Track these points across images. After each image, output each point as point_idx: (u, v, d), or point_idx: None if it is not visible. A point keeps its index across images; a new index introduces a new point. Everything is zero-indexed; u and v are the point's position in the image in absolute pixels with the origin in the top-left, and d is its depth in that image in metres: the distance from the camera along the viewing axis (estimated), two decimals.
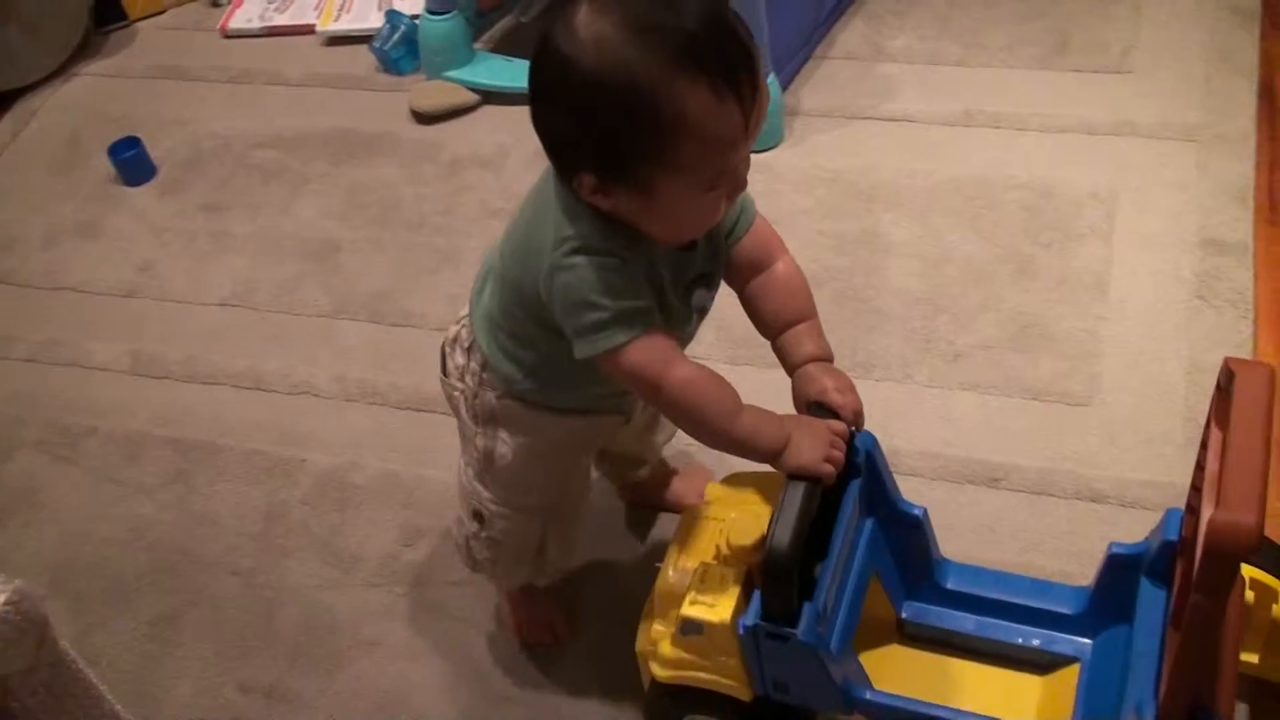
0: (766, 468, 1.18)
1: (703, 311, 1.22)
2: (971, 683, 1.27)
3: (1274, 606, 1.22)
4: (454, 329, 1.31)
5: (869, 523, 1.24)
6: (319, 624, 1.59)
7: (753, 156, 2.07)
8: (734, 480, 1.27)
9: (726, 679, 1.17)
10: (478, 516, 1.38)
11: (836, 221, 1.95)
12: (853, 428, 1.17)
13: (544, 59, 1.04)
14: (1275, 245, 1.82)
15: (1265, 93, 2.04)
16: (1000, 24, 2.26)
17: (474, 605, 1.58)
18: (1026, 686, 1.26)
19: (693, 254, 1.16)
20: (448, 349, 1.32)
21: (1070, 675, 1.23)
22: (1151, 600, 1.15)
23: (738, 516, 1.17)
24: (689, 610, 1.14)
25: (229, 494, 1.75)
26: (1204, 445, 1.07)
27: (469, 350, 1.28)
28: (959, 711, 1.17)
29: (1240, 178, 1.91)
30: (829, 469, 1.12)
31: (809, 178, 2.04)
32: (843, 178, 2.01)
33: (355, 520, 1.70)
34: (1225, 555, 0.90)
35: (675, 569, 1.19)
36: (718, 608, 1.13)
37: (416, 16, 2.31)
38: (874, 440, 1.21)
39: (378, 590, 1.62)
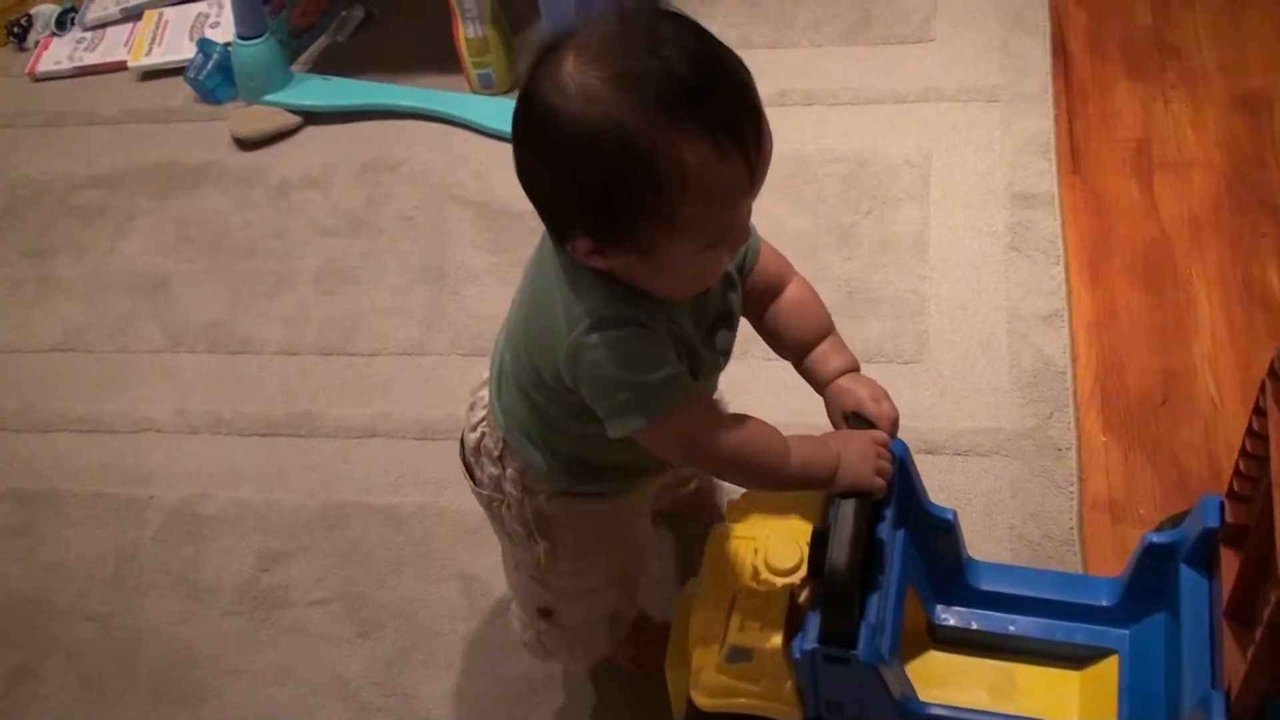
0: None
1: (727, 354, 1.15)
2: (1011, 683, 1.24)
3: None
4: (473, 437, 1.23)
5: (901, 529, 1.21)
6: (180, 660, 1.57)
7: None
8: (753, 496, 1.22)
9: (777, 703, 1.13)
10: (545, 614, 1.31)
11: None
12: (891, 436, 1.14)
13: (529, 110, 0.95)
14: (1078, 193, 1.91)
15: (1058, 50, 2.13)
16: (805, 4, 2.32)
17: (336, 622, 1.58)
18: (1066, 682, 1.23)
19: (708, 295, 1.08)
20: (472, 459, 1.24)
21: (1110, 668, 1.21)
22: (1195, 589, 1.13)
23: (771, 536, 1.13)
24: (737, 638, 1.10)
25: (77, 540, 1.72)
26: (1252, 433, 1.06)
27: (501, 458, 1.19)
28: (1008, 717, 1.16)
29: (1041, 133, 1.99)
30: (881, 482, 1.09)
31: None
32: None
33: (209, 551, 1.68)
34: None
35: (712, 593, 1.14)
36: (767, 633, 1.09)
37: (229, 44, 2.28)
38: (905, 447, 1.17)
39: (237, 619, 1.60)
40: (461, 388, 1.78)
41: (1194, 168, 1.91)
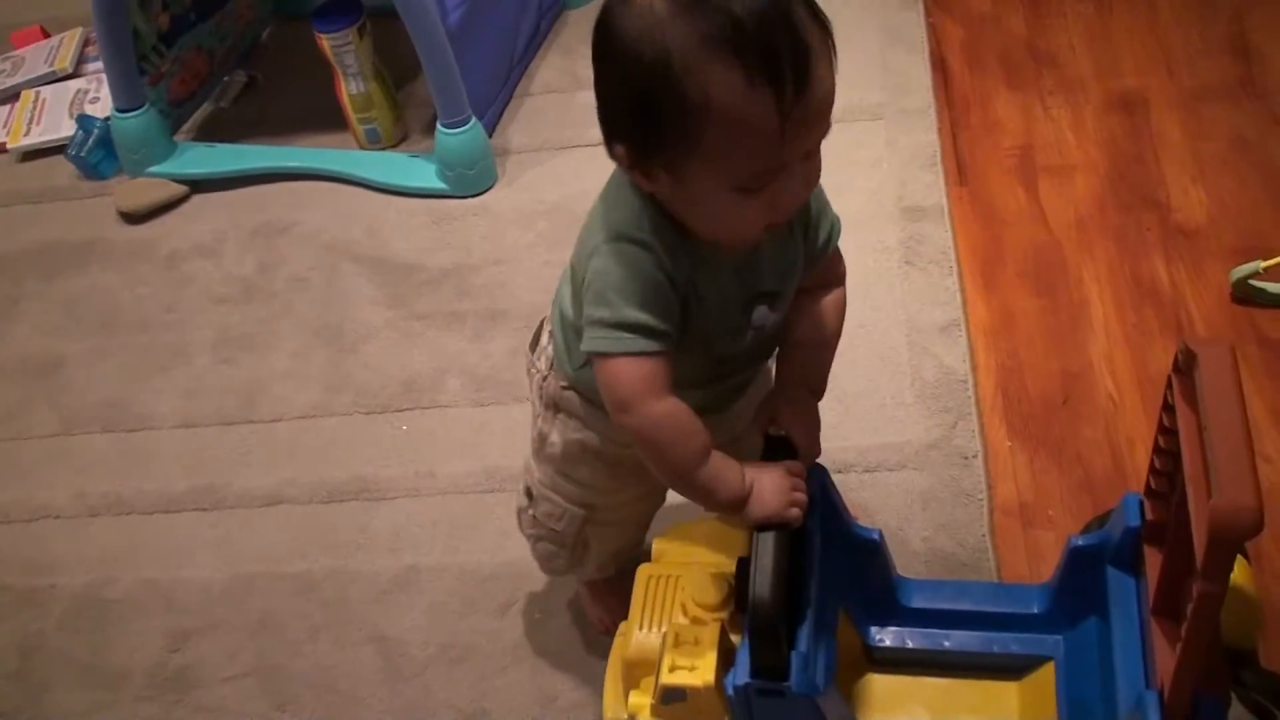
0: (703, 513, 1.16)
1: (761, 330, 1.15)
2: (952, 700, 1.24)
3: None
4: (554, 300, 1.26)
5: (828, 554, 1.20)
6: None
7: (469, 201, 2.13)
8: (677, 533, 1.22)
9: None
10: (528, 492, 1.36)
11: (561, 250, 1.93)
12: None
13: (601, 15, 0.99)
14: (966, 203, 1.93)
15: (937, 65, 2.16)
16: None
17: (251, 698, 1.54)
18: (1005, 694, 1.23)
19: (758, 266, 1.10)
20: (545, 326, 1.27)
21: (1047, 675, 1.21)
22: (1122, 589, 1.14)
23: (696, 572, 1.13)
24: (670, 678, 1.08)
25: None
26: (1163, 430, 1.06)
27: (551, 335, 1.24)
28: None
29: (927, 146, 2.01)
30: (795, 513, 1.09)
31: (528, 213, 2.06)
32: (561, 208, 2.05)
33: (117, 636, 1.63)
34: (1230, 541, 0.89)
35: (642, 634, 1.14)
36: (699, 671, 1.07)
37: (109, 118, 2.24)
38: (824, 470, 1.19)
39: (150, 703, 1.56)
40: (364, 447, 1.79)
41: (1076, 170, 1.94)
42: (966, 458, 1.59)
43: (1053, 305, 1.76)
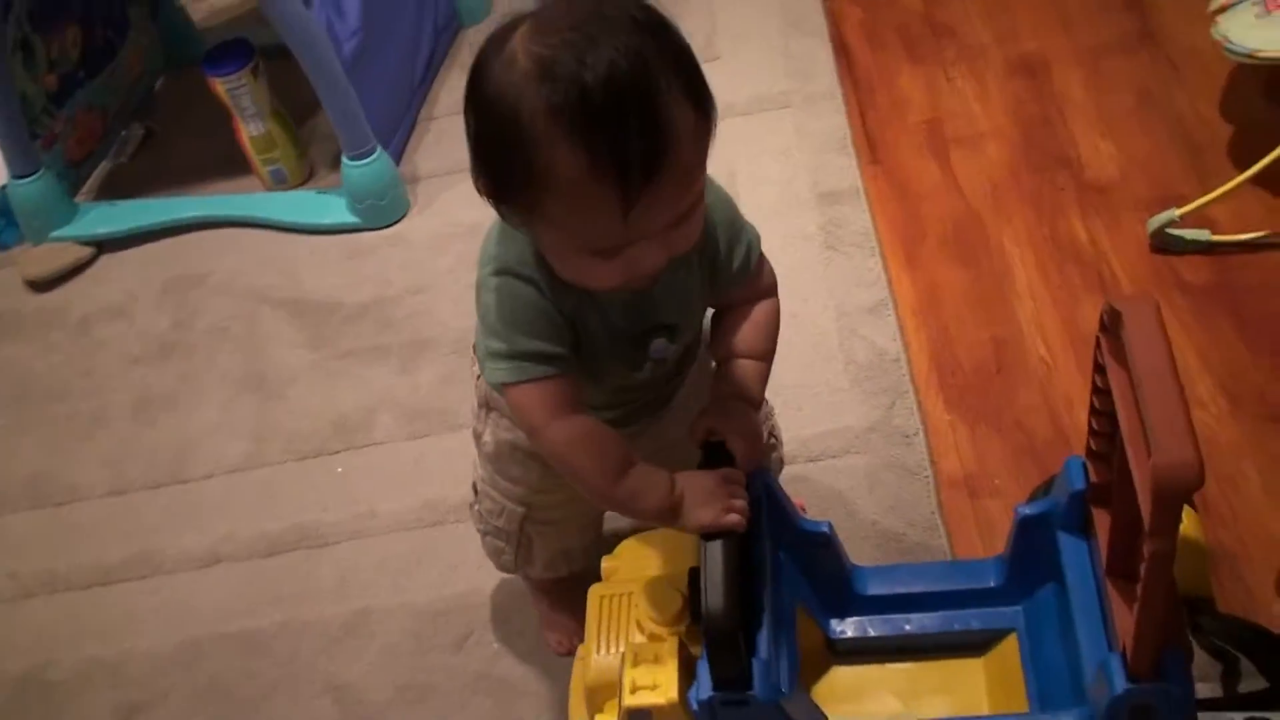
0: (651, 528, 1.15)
1: (662, 364, 1.15)
2: (919, 684, 1.22)
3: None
4: None
5: (779, 553, 1.18)
6: None
7: (384, 232, 2.09)
8: (625, 549, 1.21)
9: None
10: (474, 487, 1.37)
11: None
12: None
13: (478, 55, 0.96)
14: (881, 182, 1.92)
15: (839, 48, 2.16)
16: None
17: None
18: (971, 671, 1.23)
19: (652, 298, 1.08)
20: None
21: (1010, 647, 1.20)
22: (1075, 553, 1.12)
23: (649, 586, 1.12)
24: (633, 700, 1.06)
25: None
26: (1097, 390, 1.05)
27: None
28: None
29: (838, 130, 2.01)
30: (735, 518, 1.05)
31: (443, 237, 2.03)
32: (477, 229, 1.92)
33: (64, 718, 1.58)
34: (1175, 497, 0.88)
35: (600, 656, 1.12)
36: (661, 689, 1.05)
37: (4, 186, 2.19)
38: (765, 472, 1.17)
39: None
40: (301, 494, 1.75)
41: (986, 138, 1.94)
42: (907, 436, 1.58)
43: (977, 275, 1.76)
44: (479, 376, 1.24)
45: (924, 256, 1.80)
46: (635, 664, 1.07)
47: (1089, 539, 1.13)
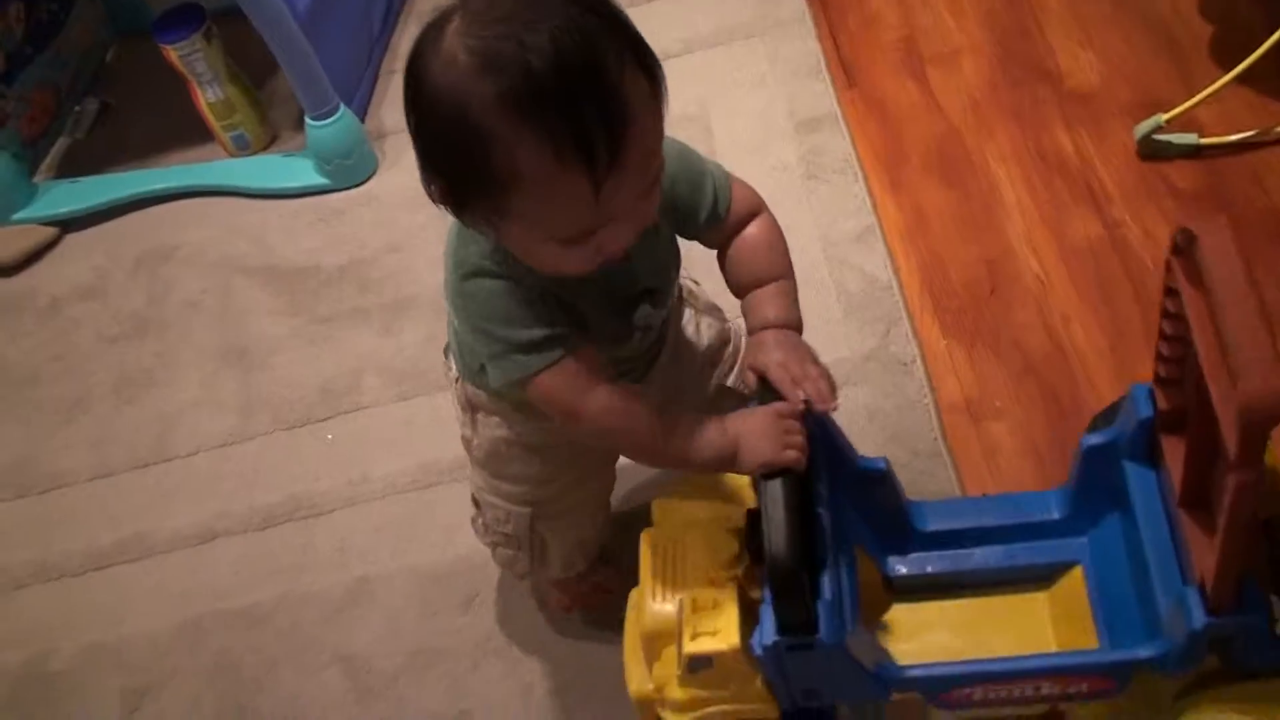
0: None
1: (650, 330, 1.12)
2: (982, 619, 1.18)
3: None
4: None
5: (836, 490, 1.14)
6: None
7: (353, 192, 2.05)
8: (675, 489, 1.17)
9: (750, 704, 1.08)
10: (474, 501, 1.32)
11: None
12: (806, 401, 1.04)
13: (412, 54, 0.91)
14: (859, 106, 1.88)
15: None
16: None
17: None
18: (1036, 605, 1.18)
19: (629, 268, 1.03)
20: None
21: (1076, 580, 1.16)
22: (1143, 483, 1.09)
23: (703, 529, 1.09)
24: (693, 646, 1.03)
25: None
26: (1167, 315, 1.01)
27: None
28: (985, 660, 1.09)
29: (810, 55, 1.96)
30: (794, 455, 1.00)
31: (416, 192, 1.90)
32: None
33: (68, 709, 1.55)
34: (1262, 425, 0.84)
35: (656, 603, 1.08)
36: (722, 634, 1.03)
37: None
38: (822, 412, 1.09)
39: None
40: (291, 464, 1.71)
41: (962, 54, 1.90)
42: (905, 363, 1.56)
43: (963, 194, 1.73)
44: (456, 380, 1.20)
45: (908, 179, 1.77)
46: (695, 610, 1.05)
47: (1157, 468, 1.09)
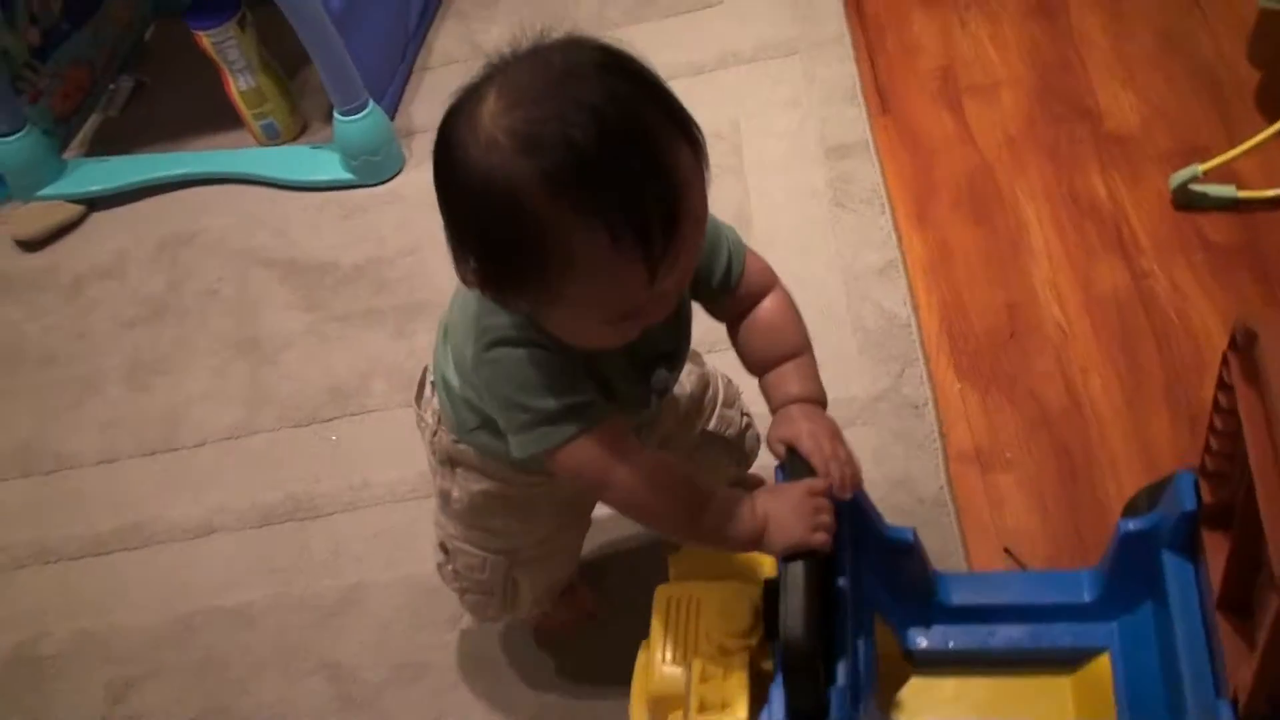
0: None
1: (665, 393, 1.10)
2: (1000, 698, 1.17)
3: None
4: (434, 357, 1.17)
5: (860, 561, 1.12)
6: None
7: (378, 189, 2.04)
8: (693, 548, 1.14)
9: None
10: (443, 548, 1.28)
11: None
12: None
13: (442, 129, 0.88)
14: (892, 134, 1.85)
15: None
16: None
17: None
18: (1059, 689, 1.16)
19: (648, 335, 0.99)
20: (428, 376, 1.18)
21: (1102, 667, 1.14)
22: (1181, 576, 1.06)
23: (720, 593, 1.06)
24: (701, 718, 1.01)
25: None
26: (1219, 410, 0.99)
27: (434, 387, 1.16)
28: None
29: (846, 78, 1.93)
30: (822, 537, 0.98)
31: None
32: None
33: (55, 693, 1.55)
34: None
35: (666, 665, 1.06)
36: (731, 709, 1.00)
37: None
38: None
39: None
40: (294, 463, 1.70)
41: (1001, 86, 1.86)
42: (916, 406, 1.52)
43: (991, 232, 1.69)
44: (435, 432, 1.17)
45: (936, 213, 1.73)
46: (704, 679, 1.02)
47: (1197, 562, 1.06)
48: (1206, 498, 1.05)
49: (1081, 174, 1.71)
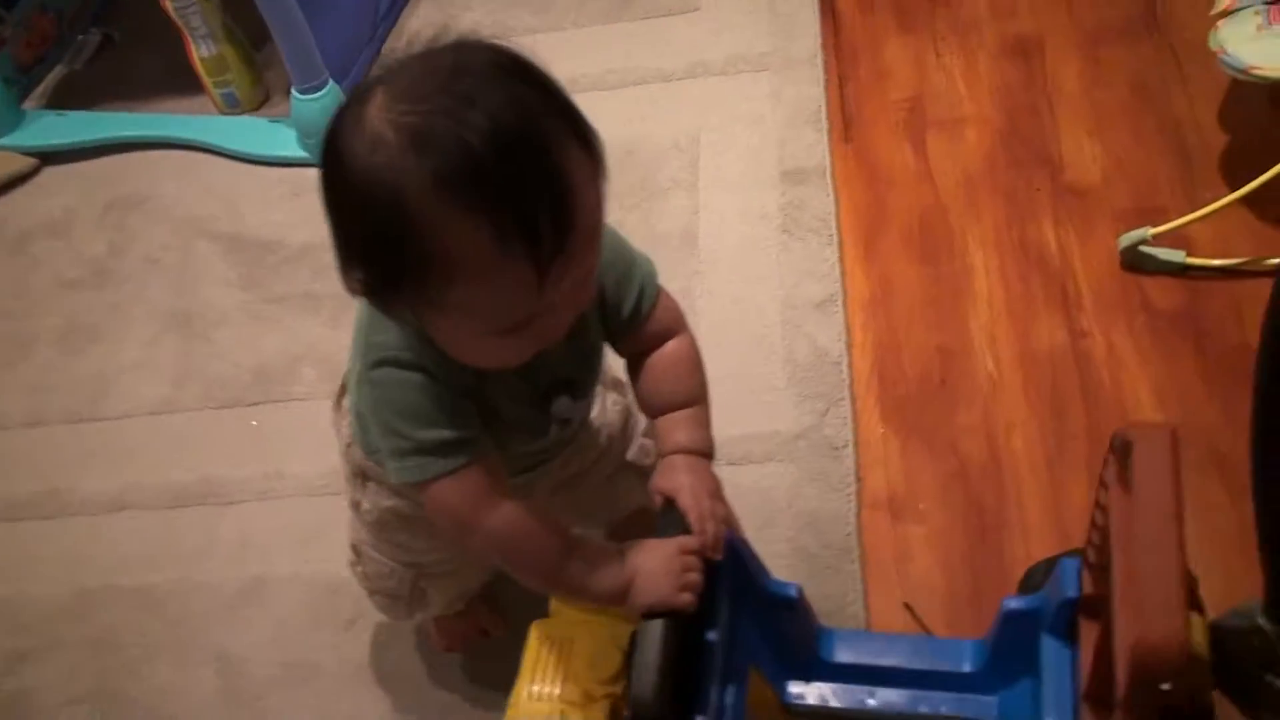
0: None
1: (567, 423, 1.07)
2: None
3: None
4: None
5: (739, 614, 1.11)
6: None
7: None
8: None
9: None
10: (354, 549, 1.26)
11: None
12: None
13: (330, 131, 0.85)
14: (851, 163, 1.82)
15: (826, 10, 2.03)
16: None
17: None
18: None
19: (546, 360, 0.97)
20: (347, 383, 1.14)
21: None
22: (1057, 659, 1.06)
23: (591, 637, 1.05)
24: None
25: None
26: (1099, 505, 0.98)
27: (342, 398, 1.14)
28: None
29: (812, 100, 1.90)
30: (687, 598, 0.96)
31: None
32: None
33: None
34: (1151, 680, 0.82)
35: (529, 701, 1.04)
36: None
37: None
38: (731, 530, 1.06)
39: None
40: (213, 445, 1.68)
41: (967, 124, 1.83)
42: (836, 448, 1.50)
43: (935, 275, 1.66)
44: (348, 445, 1.14)
45: (883, 249, 1.71)
46: None
47: (1074, 648, 1.05)
48: (1087, 589, 1.04)
49: (1034, 223, 1.69)
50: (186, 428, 1.72)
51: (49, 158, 2.11)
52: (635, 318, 1.05)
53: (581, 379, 1.07)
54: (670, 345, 1.08)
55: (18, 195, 2.08)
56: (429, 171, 0.79)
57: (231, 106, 2.09)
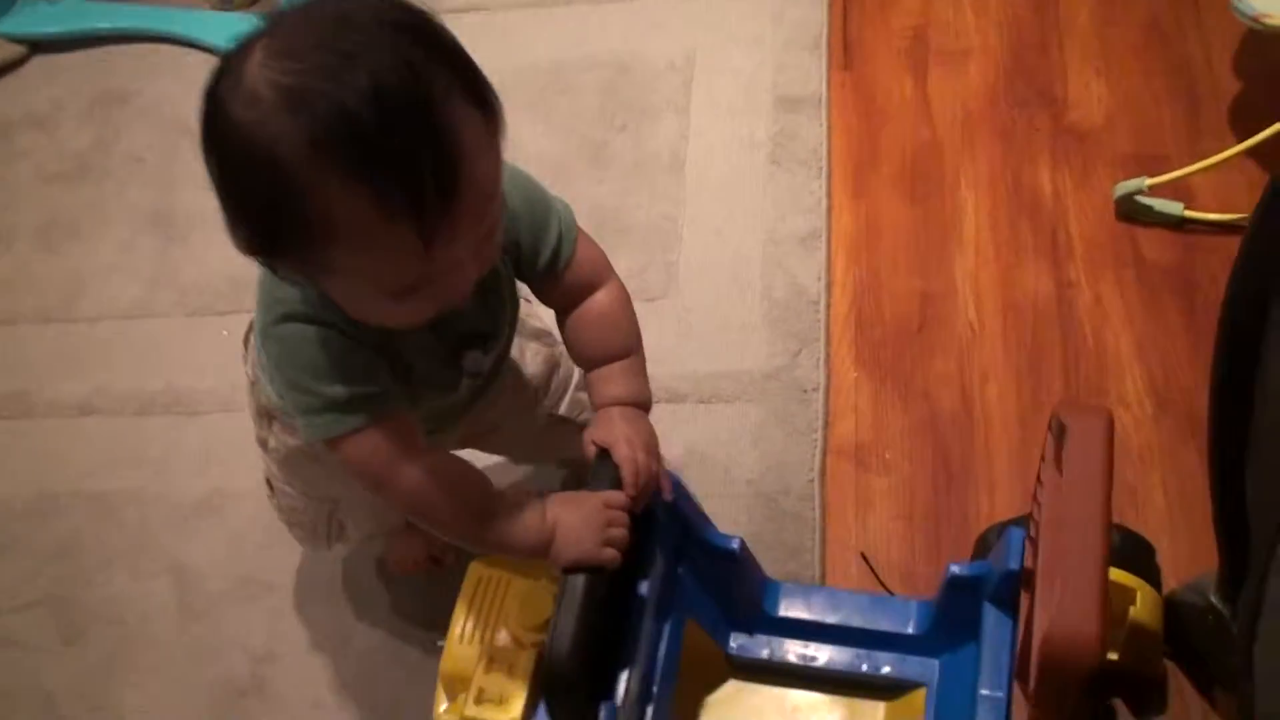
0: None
1: (479, 376, 1.04)
2: (813, 715, 1.17)
3: (1130, 608, 1.11)
4: None
5: (680, 565, 1.10)
6: None
7: None
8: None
9: None
10: (268, 483, 1.25)
11: None
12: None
13: (209, 86, 0.81)
14: (847, 92, 1.76)
15: None
16: None
17: (41, 629, 1.45)
18: (872, 713, 1.16)
19: (455, 311, 0.93)
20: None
21: (917, 701, 1.13)
22: (997, 629, 1.05)
23: (527, 585, 1.04)
24: (474, 711, 0.99)
25: None
26: (1040, 481, 0.98)
27: (247, 340, 1.12)
28: None
29: (815, 23, 1.83)
30: (610, 554, 0.95)
31: None
32: None
33: None
34: (1062, 674, 0.81)
35: (460, 644, 1.04)
36: (505, 707, 0.98)
37: None
38: (678, 479, 1.06)
39: None
40: (182, 353, 1.67)
41: (972, 55, 1.76)
42: (805, 391, 1.47)
43: (924, 214, 1.61)
44: (254, 384, 1.11)
45: (873, 185, 1.65)
46: (488, 669, 1.00)
47: (1014, 619, 1.04)
48: (1028, 563, 1.01)
49: (1030, 165, 1.63)
50: (156, 334, 1.70)
51: (38, 46, 2.07)
52: (553, 267, 1.01)
53: (493, 332, 1.04)
54: (598, 297, 1.05)
55: (5, 85, 2.05)
56: (304, 135, 0.76)
57: (225, 3, 2.04)
